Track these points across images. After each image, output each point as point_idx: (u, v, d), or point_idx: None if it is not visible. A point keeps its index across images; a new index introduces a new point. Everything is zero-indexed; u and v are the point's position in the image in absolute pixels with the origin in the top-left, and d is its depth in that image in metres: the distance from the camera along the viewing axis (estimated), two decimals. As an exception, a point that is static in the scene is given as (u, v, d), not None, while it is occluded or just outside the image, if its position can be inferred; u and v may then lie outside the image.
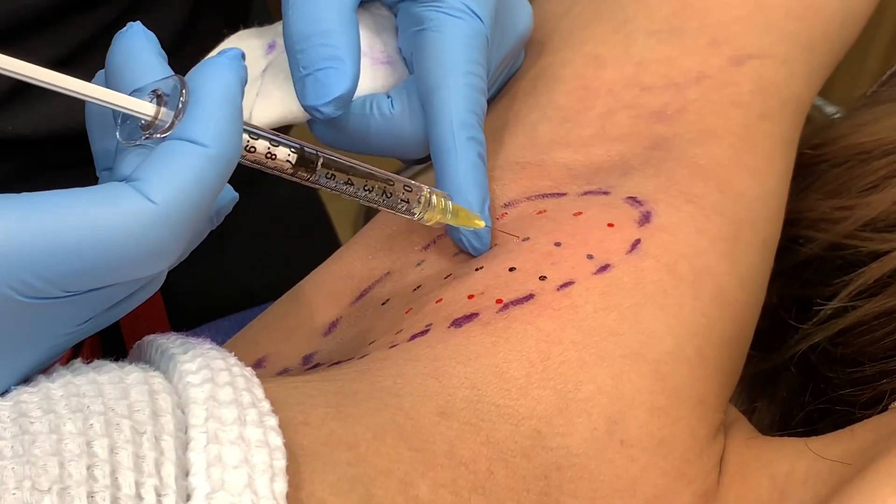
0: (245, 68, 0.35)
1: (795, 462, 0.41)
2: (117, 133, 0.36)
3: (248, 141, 0.38)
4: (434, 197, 0.44)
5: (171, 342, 0.38)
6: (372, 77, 0.49)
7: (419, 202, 0.44)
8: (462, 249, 0.46)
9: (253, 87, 0.51)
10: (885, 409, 0.43)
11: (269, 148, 0.38)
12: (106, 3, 0.61)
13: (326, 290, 0.49)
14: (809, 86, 0.53)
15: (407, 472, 0.37)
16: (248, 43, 0.53)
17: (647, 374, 0.41)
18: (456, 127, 0.45)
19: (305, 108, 0.45)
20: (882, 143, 0.52)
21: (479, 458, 0.38)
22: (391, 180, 0.43)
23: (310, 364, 0.46)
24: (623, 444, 0.40)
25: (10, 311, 0.32)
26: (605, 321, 0.42)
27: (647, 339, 0.42)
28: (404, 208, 0.43)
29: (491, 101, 0.52)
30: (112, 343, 0.62)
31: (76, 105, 0.36)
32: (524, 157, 0.49)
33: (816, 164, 0.54)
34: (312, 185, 0.41)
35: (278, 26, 0.52)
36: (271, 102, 0.50)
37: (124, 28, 0.37)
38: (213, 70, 0.35)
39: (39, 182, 0.69)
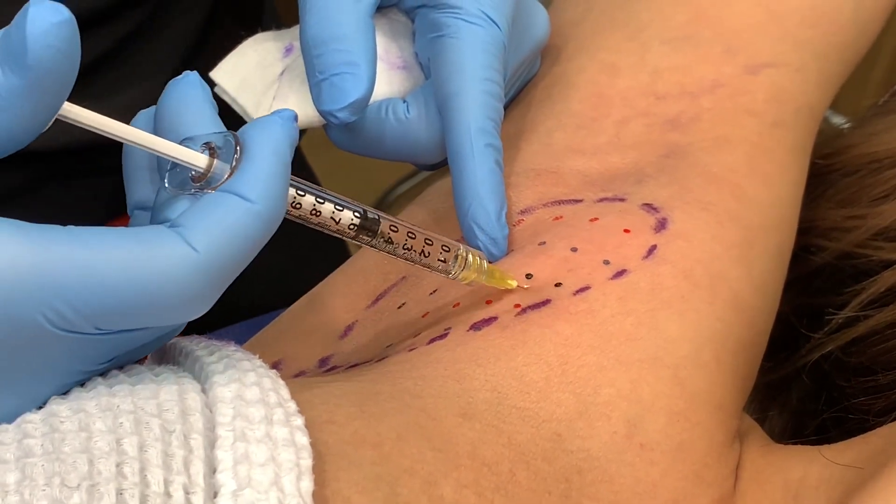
0: (297, 129, 0.36)
1: (808, 468, 0.42)
2: (165, 180, 0.36)
3: (295, 197, 0.38)
4: (470, 256, 0.43)
5: (195, 345, 0.38)
6: (388, 82, 0.49)
7: (455, 260, 0.43)
8: None
9: (270, 91, 0.51)
10: (900, 417, 0.43)
11: (314, 205, 0.38)
12: (126, 13, 0.61)
13: (342, 294, 0.49)
14: (823, 94, 0.53)
15: (431, 471, 0.37)
16: (265, 46, 0.53)
17: (666, 378, 0.42)
18: (474, 133, 0.45)
19: (321, 112, 0.45)
20: (893, 153, 0.52)
21: (502, 460, 0.38)
22: (430, 240, 0.42)
23: (326, 367, 0.47)
24: (643, 448, 0.40)
25: (37, 339, 0.32)
26: (622, 326, 0.42)
27: (664, 343, 0.42)
28: (441, 267, 0.43)
29: (506, 107, 0.52)
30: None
31: None
32: (540, 165, 0.49)
33: (828, 173, 0.54)
34: (358, 243, 0.41)
35: (295, 30, 0.52)
36: (287, 107, 0.50)
37: (180, 76, 0.38)
38: (265, 128, 0.35)
39: (52, 192, 0.70)
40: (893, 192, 0.51)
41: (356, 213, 0.39)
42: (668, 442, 0.41)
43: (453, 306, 0.44)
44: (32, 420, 0.33)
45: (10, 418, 0.34)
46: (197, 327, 0.68)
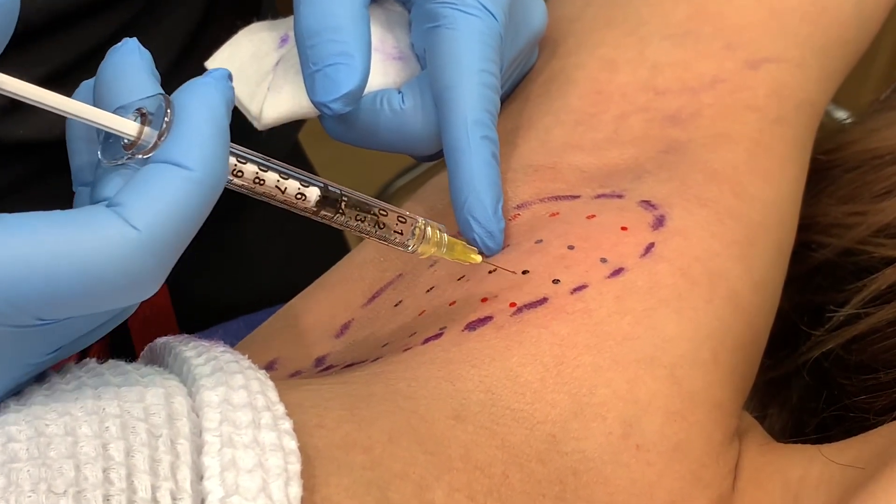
0: (232, 89, 0.34)
1: (808, 467, 0.41)
2: (99, 152, 0.35)
3: (236, 165, 0.36)
4: (429, 229, 0.42)
5: (183, 345, 0.38)
6: (383, 72, 0.49)
7: (413, 234, 0.42)
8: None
9: (264, 82, 0.51)
10: (902, 416, 0.43)
11: (257, 173, 0.37)
12: (120, 4, 0.61)
13: (338, 292, 0.49)
14: (824, 89, 0.52)
15: (422, 475, 0.36)
16: (260, 36, 0.53)
17: (663, 377, 0.41)
18: (470, 125, 0.45)
19: (315, 104, 0.45)
20: (895, 149, 0.52)
21: (495, 463, 0.38)
22: (385, 210, 0.41)
23: (322, 366, 0.46)
24: (639, 449, 0.40)
25: None
26: (619, 325, 0.42)
27: (661, 342, 0.42)
28: (397, 240, 0.41)
29: (503, 99, 0.52)
30: (121, 345, 0.62)
31: None
32: (537, 160, 0.49)
33: (829, 169, 0.54)
34: (305, 215, 0.39)
35: (291, 20, 0.52)
36: (281, 97, 0.50)
37: (119, 43, 0.36)
38: (198, 90, 0.33)
39: (49, 185, 0.69)
40: (895, 188, 0.51)
41: (303, 183, 0.38)
42: (665, 442, 0.40)
43: (449, 304, 0.44)
44: (17, 422, 0.33)
45: None
46: (195, 322, 0.68)
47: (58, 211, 0.32)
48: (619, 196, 0.46)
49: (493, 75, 0.46)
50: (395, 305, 0.46)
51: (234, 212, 0.67)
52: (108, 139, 0.35)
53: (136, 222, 0.31)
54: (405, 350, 0.42)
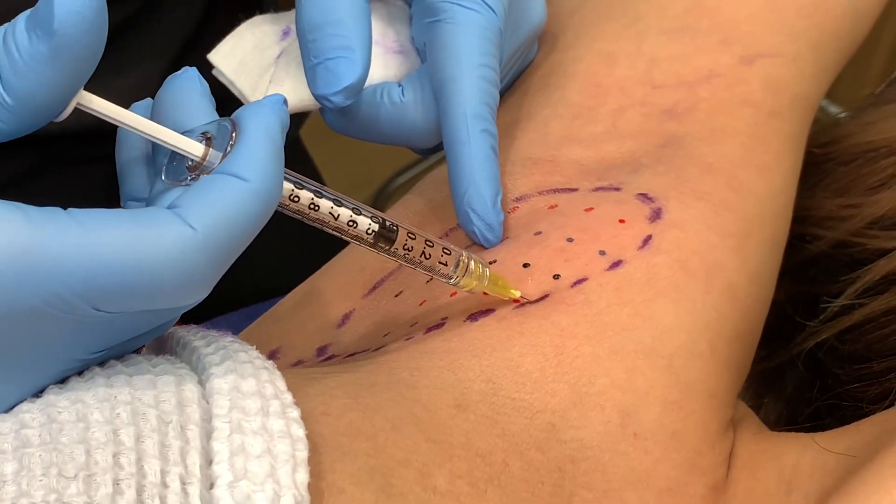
0: (287, 113, 0.36)
1: (802, 455, 0.42)
2: (163, 174, 0.36)
3: (293, 190, 0.38)
4: (472, 263, 0.43)
5: (192, 335, 0.39)
6: (384, 66, 0.49)
7: (457, 266, 0.43)
8: (475, 242, 0.46)
9: (266, 74, 0.51)
10: (893, 404, 0.43)
11: (312, 199, 0.38)
12: (119, 2, 0.61)
13: (339, 282, 0.49)
14: (818, 84, 0.53)
15: (425, 462, 0.37)
16: (262, 28, 0.53)
17: (661, 368, 0.42)
18: (470, 119, 0.45)
19: (316, 97, 0.46)
20: (889, 142, 0.52)
21: (495, 451, 0.39)
22: (431, 242, 0.42)
23: (324, 356, 0.47)
24: (636, 437, 0.41)
25: (36, 323, 0.32)
26: (618, 316, 0.42)
27: (660, 333, 0.42)
28: (442, 271, 0.42)
29: (503, 93, 0.52)
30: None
31: None
32: (536, 153, 0.50)
33: (824, 162, 0.55)
34: (354, 241, 0.40)
35: (293, 13, 0.52)
36: (283, 90, 0.50)
37: (179, 71, 0.38)
38: (256, 111, 0.35)
39: (62, 175, 0.70)
40: (889, 181, 0.52)
41: (355, 211, 0.39)
42: (662, 431, 0.41)
43: (451, 295, 0.44)
44: (30, 410, 0.34)
45: (6, 407, 0.34)
46: (195, 315, 0.68)
47: (121, 209, 0.33)
48: (617, 189, 0.47)
49: (493, 69, 0.47)
50: (396, 296, 0.47)
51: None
52: (173, 161, 0.36)
53: (193, 223, 0.32)
54: (407, 339, 0.43)
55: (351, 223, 0.39)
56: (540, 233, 0.45)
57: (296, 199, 0.38)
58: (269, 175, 0.34)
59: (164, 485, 0.33)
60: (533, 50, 0.54)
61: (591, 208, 0.46)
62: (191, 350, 0.38)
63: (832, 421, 0.47)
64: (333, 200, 0.39)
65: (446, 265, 0.42)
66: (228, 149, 0.34)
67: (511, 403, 0.40)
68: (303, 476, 0.33)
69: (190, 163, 0.35)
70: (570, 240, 0.45)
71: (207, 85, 0.38)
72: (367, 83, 0.46)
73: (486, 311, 0.43)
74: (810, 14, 0.52)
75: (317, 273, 0.51)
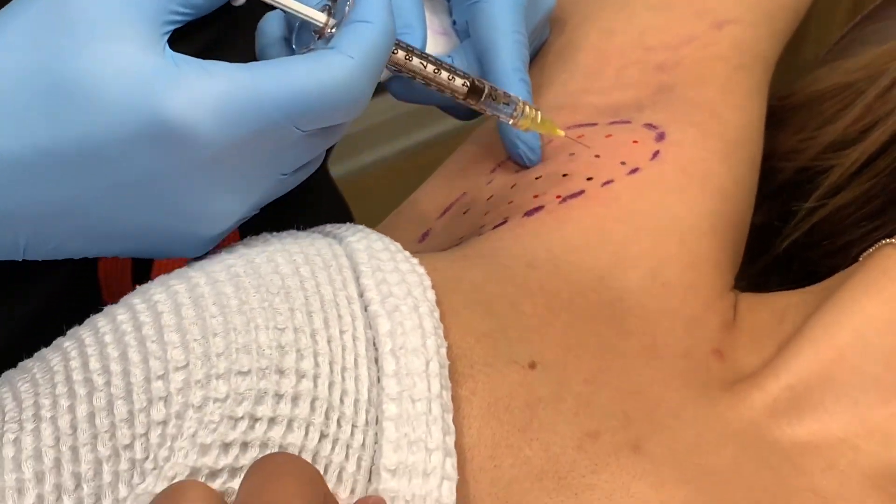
0: None
1: (790, 297, 0.55)
2: (293, 43, 0.49)
3: (408, 52, 0.52)
4: (527, 108, 0.56)
5: (328, 227, 0.51)
6: (433, 44, 0.63)
7: (516, 108, 0.56)
8: (521, 165, 0.59)
9: None
10: (856, 259, 0.57)
11: (421, 62, 0.53)
12: None
13: (414, 213, 0.62)
14: (773, 45, 0.67)
15: (514, 295, 0.49)
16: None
17: (675, 242, 0.55)
18: (510, 70, 0.59)
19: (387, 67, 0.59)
20: (831, 88, 0.66)
21: (563, 290, 0.51)
22: (496, 88, 0.56)
23: None
24: (664, 286, 0.53)
25: (257, 144, 0.44)
26: (640, 206, 0.55)
27: (672, 219, 0.55)
28: (505, 111, 0.55)
29: (526, 68, 0.65)
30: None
31: None
32: (560, 102, 0.63)
33: (784, 109, 0.68)
34: (441, 87, 0.53)
35: None
36: None
37: None
38: None
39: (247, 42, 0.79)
40: (833, 117, 0.65)
41: (451, 71, 0.54)
42: (683, 283, 0.54)
43: (508, 203, 0.57)
44: (230, 258, 0.46)
45: (226, 220, 0.46)
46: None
47: (295, 55, 0.46)
48: (627, 122, 0.60)
49: (524, 35, 0.60)
50: (465, 213, 0.60)
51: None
52: (300, 32, 0.49)
53: (351, 54, 0.45)
54: (479, 235, 0.56)
55: (451, 78, 0.53)
56: (573, 153, 0.58)
57: (409, 59, 0.52)
58: (387, 17, 0.46)
59: (336, 304, 0.45)
60: (546, 31, 0.68)
61: (610, 135, 0.59)
62: (324, 232, 0.50)
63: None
64: (435, 65, 0.53)
65: (508, 104, 0.56)
66: (348, 7, 0.46)
67: (567, 265, 0.53)
68: (431, 294, 0.46)
69: (315, 29, 0.47)
70: (597, 156, 0.58)
71: None
72: None
73: (538, 209, 0.56)
74: None
75: (394, 211, 0.64)
